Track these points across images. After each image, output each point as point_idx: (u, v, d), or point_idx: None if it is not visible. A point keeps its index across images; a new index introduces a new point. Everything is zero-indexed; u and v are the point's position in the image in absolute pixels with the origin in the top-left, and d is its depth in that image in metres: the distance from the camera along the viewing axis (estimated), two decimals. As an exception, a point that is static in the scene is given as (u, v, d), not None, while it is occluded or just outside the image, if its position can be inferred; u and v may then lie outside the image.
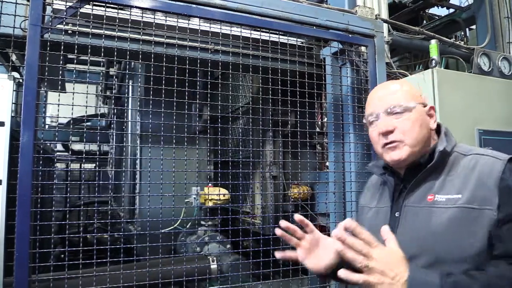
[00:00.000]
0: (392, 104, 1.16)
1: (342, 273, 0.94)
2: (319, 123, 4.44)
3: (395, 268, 0.93)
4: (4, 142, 1.85)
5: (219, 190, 3.17)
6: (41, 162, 1.77)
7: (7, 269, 1.75)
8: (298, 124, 2.55)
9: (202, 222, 3.35)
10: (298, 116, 2.53)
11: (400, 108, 1.15)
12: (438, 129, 1.22)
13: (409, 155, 1.14)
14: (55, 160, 5.20)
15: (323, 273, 1.19)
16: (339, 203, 2.68)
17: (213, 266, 2.64)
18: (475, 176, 1.07)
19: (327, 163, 3.43)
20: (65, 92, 2.78)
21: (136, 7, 2.07)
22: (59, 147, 8.11)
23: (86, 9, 2.01)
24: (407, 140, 1.14)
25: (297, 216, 1.19)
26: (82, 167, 8.39)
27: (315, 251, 1.21)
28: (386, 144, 1.17)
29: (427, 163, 1.14)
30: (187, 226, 3.27)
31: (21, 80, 2.03)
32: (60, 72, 2.28)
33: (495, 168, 1.05)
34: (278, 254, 1.22)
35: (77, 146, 8.19)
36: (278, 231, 1.18)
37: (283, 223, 1.18)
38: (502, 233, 0.99)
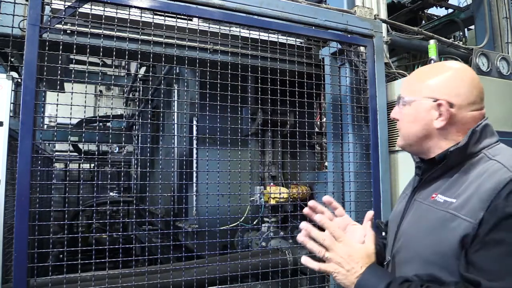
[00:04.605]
0: (400, 94, 1.20)
1: (303, 259, 1.07)
2: (318, 123, 4.45)
3: (352, 262, 1.04)
4: (3, 142, 1.85)
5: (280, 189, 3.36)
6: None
7: (6, 269, 1.75)
8: (297, 124, 2.55)
9: (265, 219, 3.50)
10: (297, 116, 2.53)
11: (402, 101, 1.18)
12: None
13: (403, 146, 1.20)
14: (53, 160, 5.19)
15: None
16: (338, 203, 2.68)
17: (289, 258, 2.98)
18: (478, 183, 0.99)
19: (326, 163, 3.43)
20: (64, 92, 2.77)
21: (135, 7, 2.07)
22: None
23: (85, 8, 2.01)
24: (400, 132, 1.20)
25: (326, 198, 1.23)
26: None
27: None
28: None
29: (442, 161, 1.09)
30: (254, 223, 3.46)
31: (19, 80, 2.02)
32: (59, 72, 2.27)
33: (500, 180, 0.95)
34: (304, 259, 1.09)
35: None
36: (305, 210, 1.18)
37: (311, 202, 1.18)
38: (477, 258, 0.91)
